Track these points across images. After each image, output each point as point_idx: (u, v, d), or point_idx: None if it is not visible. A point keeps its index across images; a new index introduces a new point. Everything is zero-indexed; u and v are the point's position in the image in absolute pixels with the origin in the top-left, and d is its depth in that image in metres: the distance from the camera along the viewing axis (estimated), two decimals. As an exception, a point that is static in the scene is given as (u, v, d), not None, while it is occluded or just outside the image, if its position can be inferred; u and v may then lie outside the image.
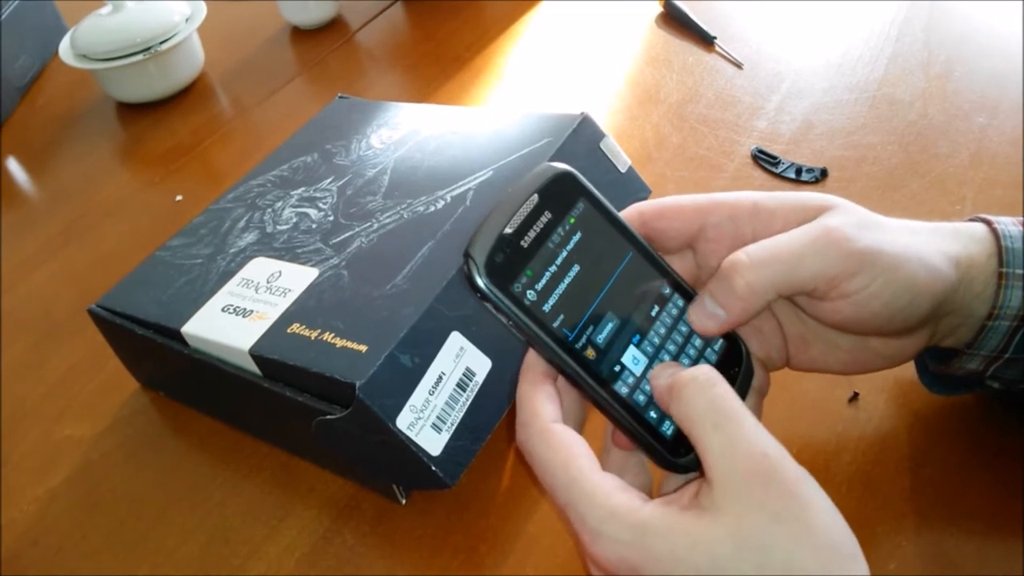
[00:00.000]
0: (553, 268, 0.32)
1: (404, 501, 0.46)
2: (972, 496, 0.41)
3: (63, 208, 0.76)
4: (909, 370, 0.45)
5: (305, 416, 0.42)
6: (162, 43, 0.82)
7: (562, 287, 0.32)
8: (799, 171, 0.61)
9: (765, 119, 0.68)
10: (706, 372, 0.31)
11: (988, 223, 0.38)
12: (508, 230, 0.31)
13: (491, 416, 0.43)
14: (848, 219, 0.35)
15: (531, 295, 0.31)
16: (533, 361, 0.34)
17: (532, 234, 0.32)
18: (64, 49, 0.85)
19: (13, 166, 0.84)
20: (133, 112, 0.88)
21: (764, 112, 0.68)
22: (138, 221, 0.72)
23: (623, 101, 0.74)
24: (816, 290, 0.35)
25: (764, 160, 0.63)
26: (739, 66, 0.75)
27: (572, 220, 0.33)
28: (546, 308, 0.32)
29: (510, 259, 0.31)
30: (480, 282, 0.30)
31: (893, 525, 0.40)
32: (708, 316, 0.35)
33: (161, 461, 0.51)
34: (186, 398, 0.54)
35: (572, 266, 0.33)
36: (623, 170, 0.53)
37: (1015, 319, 0.37)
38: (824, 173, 0.61)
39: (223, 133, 0.82)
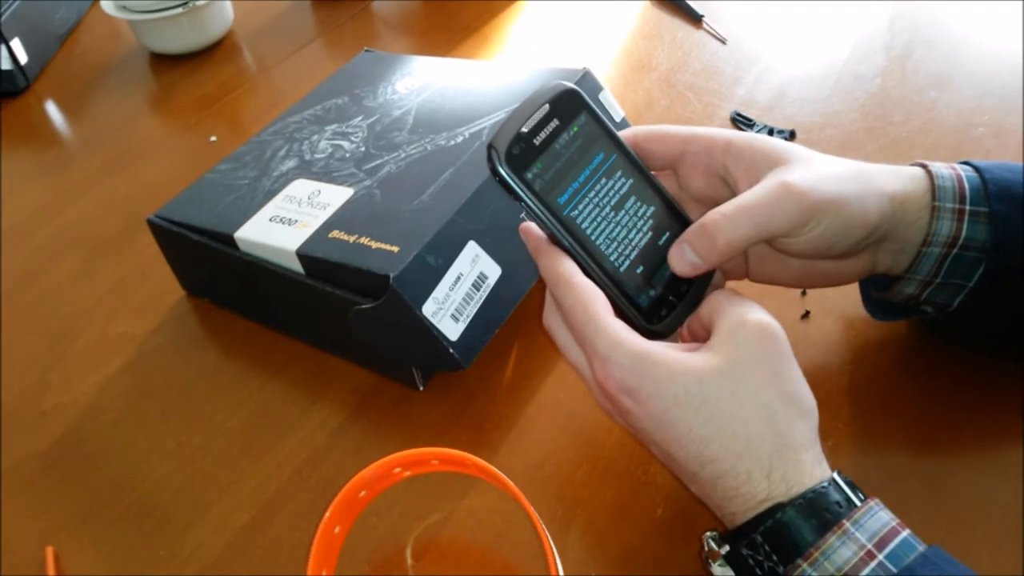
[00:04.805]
0: (558, 164, 0.40)
1: (422, 387, 0.53)
2: (899, 394, 0.49)
3: (102, 147, 0.83)
4: (854, 297, 0.53)
5: (342, 309, 0.50)
6: (197, -1, 0.89)
7: (564, 179, 0.40)
8: (771, 132, 0.69)
9: (744, 88, 0.76)
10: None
11: (924, 167, 0.45)
12: (524, 129, 0.39)
13: (500, 314, 0.51)
14: (804, 173, 0.40)
15: (540, 183, 0.39)
16: (540, 237, 0.41)
17: (543, 135, 0.40)
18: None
19: (52, 109, 0.91)
20: (165, 63, 0.95)
21: (744, 82, 0.77)
22: (175, 158, 0.79)
23: (618, 68, 0.82)
24: (776, 238, 0.42)
25: (741, 122, 0.71)
26: (723, 42, 0.83)
27: (575, 129, 0.41)
28: (550, 193, 0.39)
29: (524, 152, 0.39)
30: (500, 168, 0.38)
31: (832, 412, 0.49)
32: (687, 263, 0.42)
33: (206, 356, 0.59)
34: (230, 302, 0.61)
35: (573, 164, 0.40)
36: (618, 120, 0.61)
37: (944, 246, 0.44)
38: (792, 135, 0.69)
39: (247, 87, 0.89)
